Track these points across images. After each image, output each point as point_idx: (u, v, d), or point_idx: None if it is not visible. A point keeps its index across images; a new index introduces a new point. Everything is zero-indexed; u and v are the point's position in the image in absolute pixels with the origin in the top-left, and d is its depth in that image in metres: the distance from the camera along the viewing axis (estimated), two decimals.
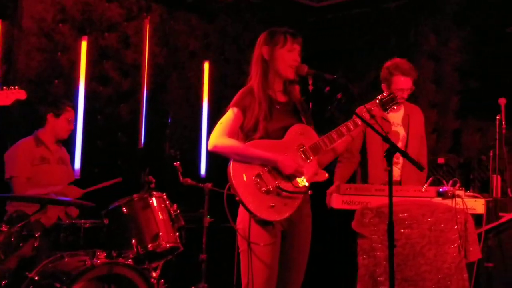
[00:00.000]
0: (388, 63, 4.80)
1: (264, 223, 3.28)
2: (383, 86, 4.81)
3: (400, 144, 4.83)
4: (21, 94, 3.99)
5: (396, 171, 4.78)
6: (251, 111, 3.36)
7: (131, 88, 6.15)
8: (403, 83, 4.72)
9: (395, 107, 3.60)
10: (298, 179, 3.32)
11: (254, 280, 3.26)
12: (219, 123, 3.42)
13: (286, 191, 3.28)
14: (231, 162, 3.28)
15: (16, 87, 3.99)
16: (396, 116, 4.87)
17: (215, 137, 3.38)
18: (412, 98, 5.09)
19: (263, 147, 3.32)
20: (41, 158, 4.85)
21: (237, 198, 3.24)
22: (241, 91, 3.45)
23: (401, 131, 4.84)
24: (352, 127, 3.44)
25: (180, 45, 6.57)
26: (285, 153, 3.32)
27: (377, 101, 3.56)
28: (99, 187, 4.88)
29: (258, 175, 3.27)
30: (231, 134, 3.37)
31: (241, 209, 3.35)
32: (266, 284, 3.28)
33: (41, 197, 4.23)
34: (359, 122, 3.43)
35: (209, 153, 6.44)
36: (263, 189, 3.25)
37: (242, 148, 3.31)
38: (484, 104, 5.82)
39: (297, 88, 3.53)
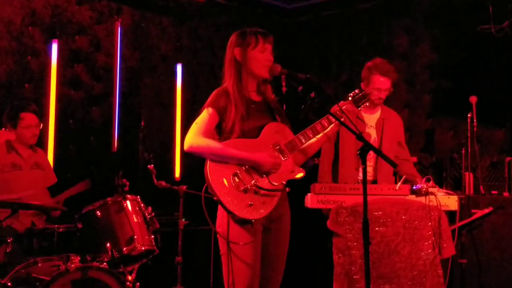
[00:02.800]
0: (369, 63, 4.87)
1: (243, 222, 3.27)
2: (362, 84, 4.87)
3: None
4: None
5: (369, 171, 4.81)
6: (228, 113, 3.35)
7: (103, 91, 6.09)
8: (381, 83, 4.78)
9: (367, 103, 3.63)
10: (274, 177, 3.32)
11: (237, 281, 3.24)
12: (194, 123, 3.40)
13: (263, 189, 3.29)
14: (208, 162, 3.27)
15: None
16: (371, 118, 4.91)
17: (190, 137, 3.36)
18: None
19: (239, 147, 3.31)
20: (12, 164, 4.76)
21: (215, 198, 3.23)
22: (216, 91, 3.44)
23: (373, 134, 4.87)
24: (326, 125, 3.46)
25: (152, 48, 6.53)
26: (261, 151, 3.32)
27: (350, 98, 3.58)
28: (68, 193, 4.79)
29: (235, 174, 3.27)
30: (206, 134, 3.36)
31: (219, 211, 3.33)
32: (249, 283, 3.26)
33: (12, 201, 4.15)
34: (332, 119, 3.44)
35: (184, 156, 6.52)
36: (241, 188, 3.25)
37: (219, 148, 3.30)
38: (456, 102, 5.89)
39: (269, 87, 3.54)
